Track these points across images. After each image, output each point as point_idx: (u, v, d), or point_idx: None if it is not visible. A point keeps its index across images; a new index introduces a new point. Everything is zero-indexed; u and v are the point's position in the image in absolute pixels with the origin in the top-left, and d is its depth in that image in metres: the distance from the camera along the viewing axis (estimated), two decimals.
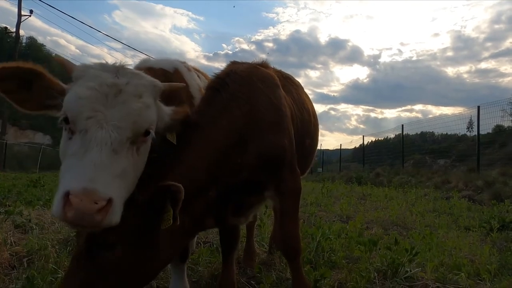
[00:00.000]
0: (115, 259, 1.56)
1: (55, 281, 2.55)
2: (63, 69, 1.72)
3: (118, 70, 1.68)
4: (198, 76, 2.91)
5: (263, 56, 2.98)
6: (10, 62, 1.62)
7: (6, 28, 38.13)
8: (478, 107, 15.44)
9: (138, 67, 2.44)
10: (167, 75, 2.40)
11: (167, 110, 1.87)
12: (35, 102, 1.67)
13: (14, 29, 31.35)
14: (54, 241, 3.73)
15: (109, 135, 1.50)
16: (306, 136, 2.82)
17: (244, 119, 2.07)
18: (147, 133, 1.66)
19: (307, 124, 2.85)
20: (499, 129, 19.34)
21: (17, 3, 29.60)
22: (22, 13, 29.90)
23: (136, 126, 1.59)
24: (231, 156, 1.99)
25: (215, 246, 3.92)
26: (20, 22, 30.04)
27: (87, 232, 1.52)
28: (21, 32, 30.81)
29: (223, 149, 1.97)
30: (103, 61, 1.76)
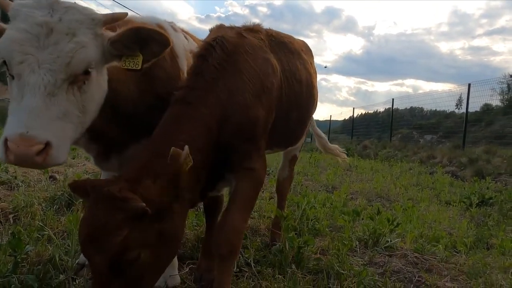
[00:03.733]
0: (143, 263, 1.58)
1: (41, 238, 2.56)
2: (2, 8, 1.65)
3: (52, 5, 1.58)
4: (186, 37, 2.81)
5: (256, 21, 2.79)
6: None
7: None
8: (469, 84, 15.52)
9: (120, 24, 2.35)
10: None
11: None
12: None
13: None
14: (41, 199, 3.72)
15: (42, 79, 1.47)
16: (294, 109, 2.70)
17: (228, 93, 2.04)
18: (87, 72, 1.62)
19: (297, 96, 2.71)
20: (487, 108, 19.60)
21: None
22: None
23: (70, 68, 1.54)
24: (216, 131, 1.97)
25: (201, 210, 3.98)
26: None
27: (101, 257, 1.51)
28: None
29: (211, 125, 1.95)
30: None
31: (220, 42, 2.14)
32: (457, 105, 19.24)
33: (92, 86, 1.67)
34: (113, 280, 1.53)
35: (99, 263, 1.50)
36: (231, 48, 2.15)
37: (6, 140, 1.42)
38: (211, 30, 2.51)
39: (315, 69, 3.58)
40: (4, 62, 1.54)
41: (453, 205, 6.04)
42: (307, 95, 2.91)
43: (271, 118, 2.34)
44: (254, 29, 2.53)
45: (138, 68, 1.76)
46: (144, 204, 1.51)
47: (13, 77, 1.54)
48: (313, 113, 3.28)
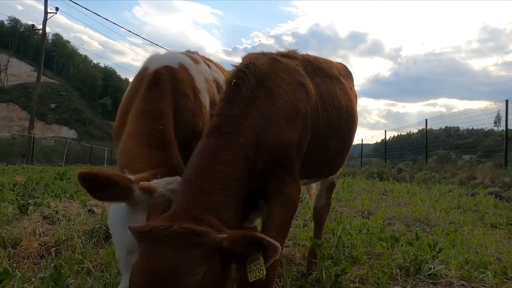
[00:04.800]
0: None
1: (81, 271, 2.63)
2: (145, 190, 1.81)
3: None
4: (209, 66, 2.89)
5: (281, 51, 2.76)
6: (93, 169, 1.80)
7: (33, 25, 39.30)
8: (506, 101, 14.91)
9: (146, 67, 2.49)
10: (171, 72, 2.41)
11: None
12: (107, 196, 1.82)
13: (40, 26, 32.23)
14: (80, 232, 3.84)
15: None
16: (332, 137, 2.58)
17: (261, 120, 1.99)
18: None
19: (335, 123, 2.59)
20: None
21: (43, 1, 30.41)
22: (48, 10, 30.70)
23: None
24: (252, 158, 1.90)
25: None
26: (47, 19, 30.88)
27: None
28: (47, 29, 31.60)
29: (248, 154, 1.89)
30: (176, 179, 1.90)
31: (253, 69, 2.11)
32: (495, 122, 18.42)
33: None
34: None
35: None
36: (263, 74, 2.12)
37: None
38: (243, 58, 2.46)
39: (355, 93, 3.41)
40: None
41: (499, 228, 5.69)
42: (347, 122, 2.78)
43: (305, 143, 2.27)
44: (289, 55, 2.49)
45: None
46: (225, 235, 1.41)
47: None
48: (352, 142, 3.12)
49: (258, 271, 1.46)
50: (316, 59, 2.76)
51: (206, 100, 2.57)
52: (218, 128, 1.89)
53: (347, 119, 2.78)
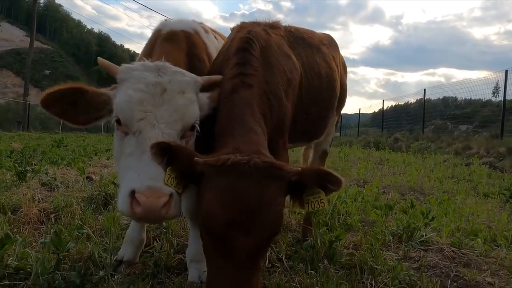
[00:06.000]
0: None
1: (81, 236, 2.68)
2: (107, 71, 1.80)
3: (159, 68, 1.77)
4: (215, 37, 2.87)
5: (280, 16, 2.83)
6: (53, 87, 1.69)
7: None
8: (506, 71, 14.79)
9: (159, 29, 2.42)
10: (188, 36, 2.39)
11: (206, 100, 1.95)
12: (85, 116, 1.76)
13: None
14: (79, 199, 3.89)
15: (161, 133, 1.62)
16: (314, 104, 2.72)
17: (268, 84, 2.11)
18: (193, 127, 1.79)
19: (316, 91, 2.73)
20: None
21: None
22: None
23: (184, 121, 1.72)
24: (265, 118, 2.03)
25: None
26: None
27: (256, 233, 1.41)
28: None
29: (266, 112, 2.03)
30: (144, 60, 1.86)
31: (256, 37, 2.22)
32: (494, 93, 18.34)
33: (193, 144, 1.85)
34: (254, 264, 1.45)
35: (248, 241, 1.39)
36: (262, 45, 2.24)
37: (132, 193, 1.51)
38: (233, 29, 2.58)
39: (342, 62, 3.53)
40: (117, 120, 1.69)
41: (491, 197, 5.80)
42: (327, 89, 2.91)
43: (293, 109, 2.40)
44: (273, 26, 2.57)
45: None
46: (299, 169, 1.52)
47: (125, 134, 1.69)
48: (335, 106, 3.22)
49: (318, 203, 1.59)
50: (297, 29, 2.87)
51: None
52: (242, 83, 1.99)
53: (328, 87, 2.91)
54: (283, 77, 2.25)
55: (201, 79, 1.90)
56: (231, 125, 1.82)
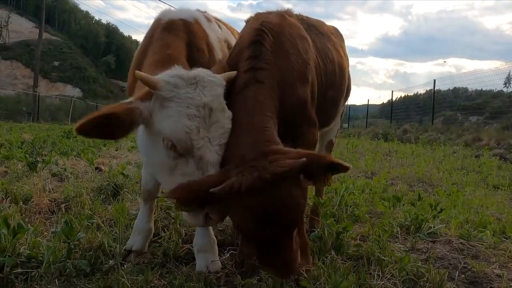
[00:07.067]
0: None
1: (91, 226, 2.72)
2: (145, 84, 1.80)
3: (197, 80, 1.81)
4: (219, 26, 2.85)
5: (288, 6, 2.84)
6: (86, 117, 1.71)
7: None
8: None
9: (159, 18, 2.43)
10: (187, 25, 2.39)
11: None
12: (121, 131, 1.79)
13: None
14: (89, 189, 3.94)
15: (217, 156, 1.78)
16: (329, 88, 2.78)
17: (281, 73, 2.15)
18: None
19: (331, 76, 2.80)
20: None
21: None
22: None
23: (227, 137, 1.85)
24: (277, 107, 2.10)
25: None
26: None
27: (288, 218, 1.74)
28: None
29: (277, 104, 2.09)
30: (175, 68, 1.87)
31: (268, 27, 2.25)
32: (505, 83, 18.12)
33: None
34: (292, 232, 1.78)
35: (285, 227, 1.72)
36: (276, 30, 2.27)
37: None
38: (248, 21, 2.59)
39: (346, 54, 3.60)
40: (173, 144, 1.73)
41: (501, 189, 5.74)
42: (339, 75, 2.97)
43: (315, 91, 2.47)
44: (287, 14, 2.60)
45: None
46: (304, 159, 1.68)
47: (178, 154, 1.75)
48: (344, 95, 3.28)
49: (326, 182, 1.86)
50: (308, 18, 2.93)
51: (219, 57, 2.53)
52: (254, 79, 2.05)
53: (340, 73, 2.98)
54: (298, 61, 2.28)
55: (224, 81, 1.94)
56: (240, 126, 1.91)
